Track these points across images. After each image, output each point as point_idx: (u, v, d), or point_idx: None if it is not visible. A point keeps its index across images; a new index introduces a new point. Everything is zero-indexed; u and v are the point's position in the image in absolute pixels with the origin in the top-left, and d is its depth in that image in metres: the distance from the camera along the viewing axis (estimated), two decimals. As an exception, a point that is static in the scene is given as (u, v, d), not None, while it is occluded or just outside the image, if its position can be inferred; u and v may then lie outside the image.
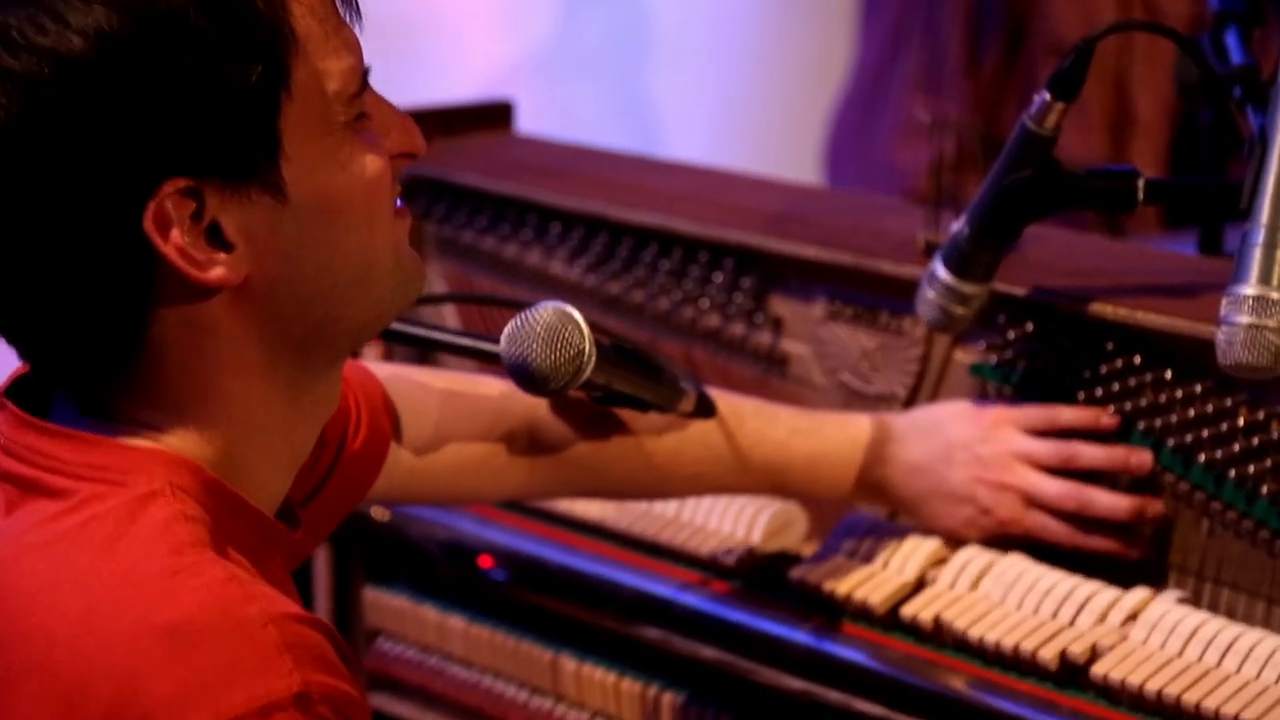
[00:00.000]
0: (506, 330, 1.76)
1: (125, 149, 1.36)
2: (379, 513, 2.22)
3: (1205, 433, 1.82)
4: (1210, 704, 1.70)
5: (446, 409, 1.88)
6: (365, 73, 1.44)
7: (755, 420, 1.93)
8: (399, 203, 1.48)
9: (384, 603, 2.25)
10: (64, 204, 1.37)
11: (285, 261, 1.42)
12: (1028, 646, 1.80)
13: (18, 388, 1.48)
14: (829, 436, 1.92)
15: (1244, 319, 1.68)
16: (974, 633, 1.83)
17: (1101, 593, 1.83)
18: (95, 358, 1.42)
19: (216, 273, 1.40)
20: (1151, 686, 1.73)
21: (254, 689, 1.32)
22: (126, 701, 1.32)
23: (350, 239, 1.43)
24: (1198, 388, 1.83)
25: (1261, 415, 1.80)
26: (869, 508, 2.00)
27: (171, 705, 1.31)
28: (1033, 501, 1.88)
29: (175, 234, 1.38)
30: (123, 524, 1.39)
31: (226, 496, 1.43)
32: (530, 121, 2.57)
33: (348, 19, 1.44)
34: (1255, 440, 1.80)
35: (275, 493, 1.49)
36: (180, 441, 1.43)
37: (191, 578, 1.36)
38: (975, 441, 1.89)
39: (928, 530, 1.93)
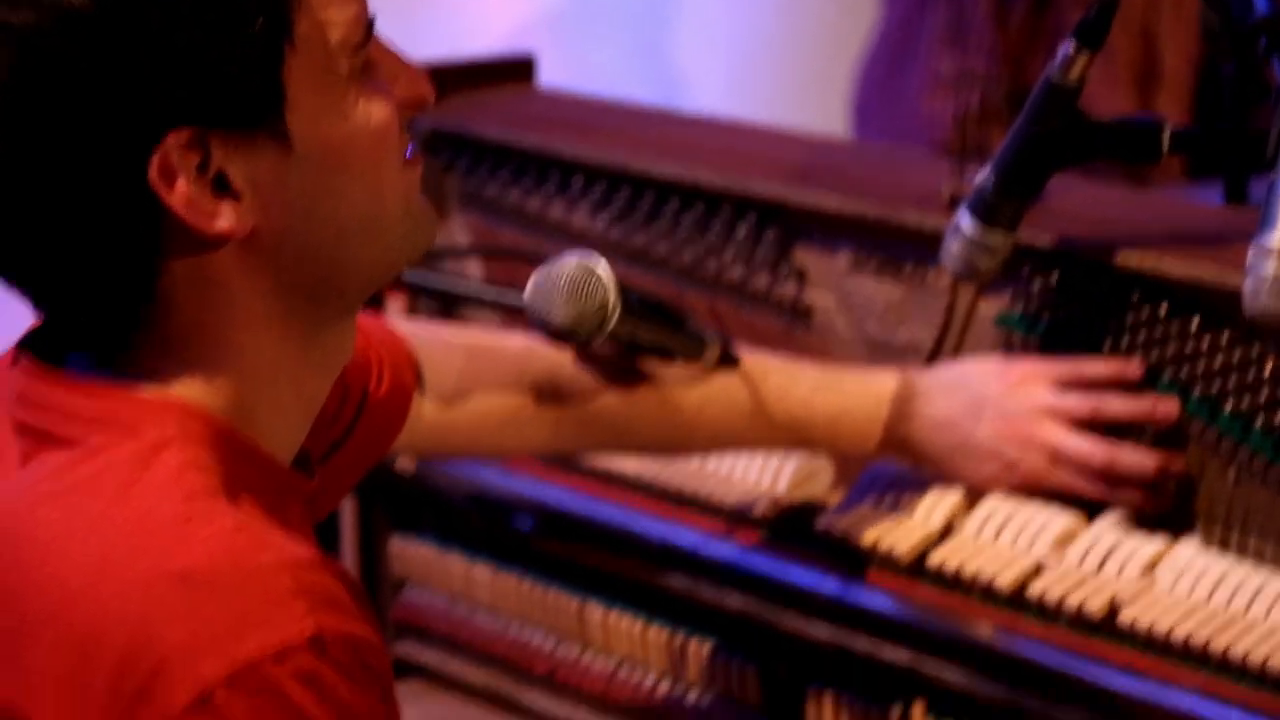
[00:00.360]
0: (531, 282, 1.76)
1: (128, 100, 1.36)
2: (405, 463, 2.23)
3: (1232, 381, 1.82)
4: (1238, 649, 1.71)
5: (470, 364, 1.88)
6: (370, 22, 1.44)
7: (778, 377, 1.93)
8: (409, 152, 1.48)
9: (410, 552, 2.26)
10: (68, 156, 1.36)
11: (292, 211, 1.41)
12: (1054, 593, 1.81)
13: (34, 340, 1.49)
14: (852, 393, 1.93)
15: (1271, 268, 1.68)
16: (1000, 580, 1.84)
17: (1128, 540, 1.84)
18: (106, 310, 1.42)
19: (223, 223, 1.39)
20: (1179, 632, 1.74)
21: (268, 635, 1.32)
22: (140, 650, 1.32)
23: (357, 188, 1.43)
24: (1224, 336, 1.83)
25: (1288, 364, 1.80)
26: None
27: (185, 653, 1.31)
28: (1059, 458, 1.88)
29: (181, 184, 1.37)
30: (135, 472, 1.38)
31: (238, 445, 1.43)
32: (552, 75, 2.57)
33: None
34: (1281, 388, 1.80)
35: (289, 443, 1.49)
36: (192, 391, 1.43)
37: (203, 525, 1.36)
38: (1001, 397, 1.89)
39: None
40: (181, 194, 1.38)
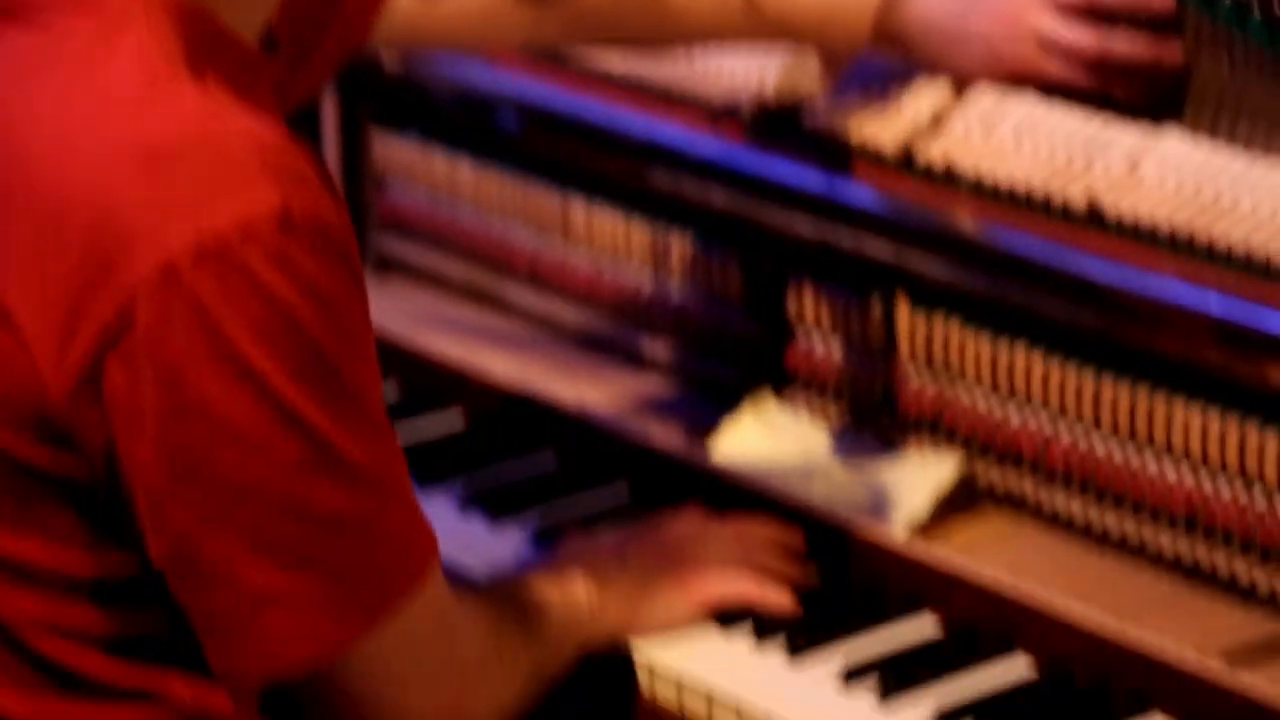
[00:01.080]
0: None
1: None
2: (389, 58, 2.20)
3: (1230, -31, 1.78)
4: (1219, 235, 1.69)
5: None
6: None
7: None
8: None
9: (393, 148, 2.25)
10: None
11: None
12: (1040, 185, 1.79)
13: None
14: None
15: None
16: (986, 173, 1.82)
17: (1116, 132, 1.81)
18: None
19: None
20: (1162, 220, 1.72)
21: (234, 208, 1.31)
22: (105, 223, 1.32)
23: None
24: (1224, -78, 1.78)
25: (1289, -51, 1.75)
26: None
27: (150, 224, 1.31)
28: (1050, 46, 1.85)
29: None
30: (99, 48, 1.36)
31: (202, 21, 1.40)
32: None
33: None
34: (1282, -24, 1.76)
35: (254, 23, 1.46)
36: None
37: (169, 101, 1.35)
38: (993, -14, 1.86)
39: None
40: None
